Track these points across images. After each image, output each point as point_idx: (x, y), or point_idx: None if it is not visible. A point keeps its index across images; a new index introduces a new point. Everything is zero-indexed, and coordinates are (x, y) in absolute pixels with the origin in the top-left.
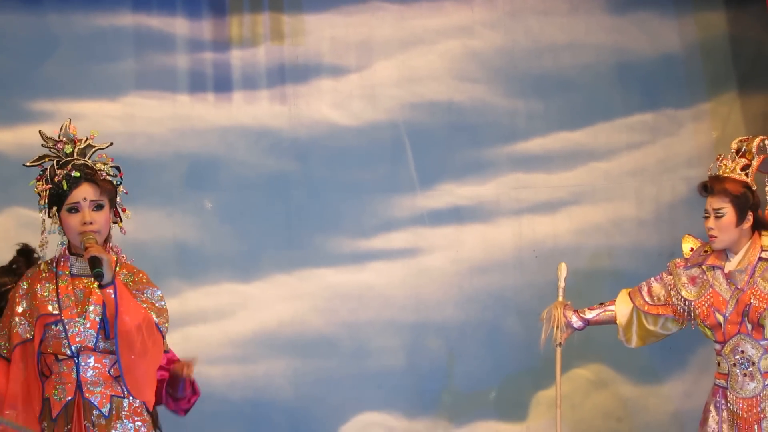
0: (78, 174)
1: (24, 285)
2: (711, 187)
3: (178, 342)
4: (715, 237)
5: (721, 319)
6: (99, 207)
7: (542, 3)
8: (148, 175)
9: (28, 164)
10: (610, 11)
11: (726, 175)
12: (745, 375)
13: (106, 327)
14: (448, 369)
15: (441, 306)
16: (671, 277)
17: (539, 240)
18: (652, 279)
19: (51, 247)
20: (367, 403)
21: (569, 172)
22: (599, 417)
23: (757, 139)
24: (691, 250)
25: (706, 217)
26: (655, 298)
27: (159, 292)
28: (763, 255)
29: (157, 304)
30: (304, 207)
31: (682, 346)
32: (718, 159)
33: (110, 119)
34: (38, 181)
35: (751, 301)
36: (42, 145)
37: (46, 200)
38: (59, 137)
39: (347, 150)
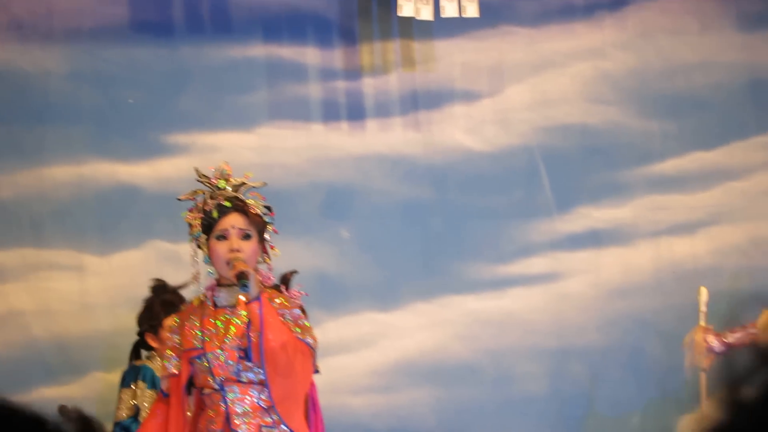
0: (229, 204)
1: (176, 320)
2: None
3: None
4: None
5: None
6: (247, 237)
7: (673, 22)
8: (285, 205)
9: (181, 198)
10: (741, 29)
11: None
12: None
13: (249, 351)
14: (591, 394)
15: (582, 330)
16: None
17: (678, 261)
18: None
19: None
20: (511, 431)
21: (706, 193)
22: None
23: None
24: None
25: None
26: None
27: (297, 311)
28: None
29: (300, 322)
30: (441, 233)
31: None
32: None
33: (245, 150)
34: (190, 212)
35: None
36: (196, 179)
37: (199, 229)
38: (214, 175)
39: (482, 175)
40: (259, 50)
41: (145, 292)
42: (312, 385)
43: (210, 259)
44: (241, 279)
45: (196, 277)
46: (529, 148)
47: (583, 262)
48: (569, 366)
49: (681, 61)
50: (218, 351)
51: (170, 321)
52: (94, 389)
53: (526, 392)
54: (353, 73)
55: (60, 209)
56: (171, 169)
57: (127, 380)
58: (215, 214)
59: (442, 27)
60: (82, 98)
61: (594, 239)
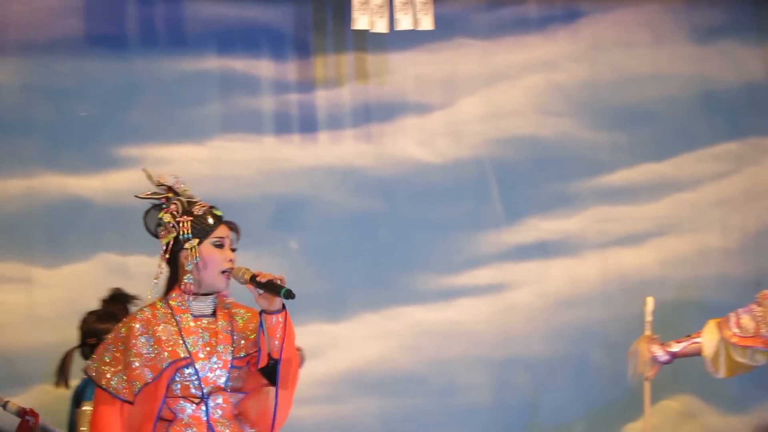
0: (221, 213)
1: (137, 326)
2: None
3: None
4: None
5: None
6: (234, 250)
7: (625, 34)
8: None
9: (141, 196)
10: (693, 41)
11: None
12: None
13: (258, 358)
14: (536, 404)
15: (528, 341)
16: (761, 308)
17: (625, 273)
18: (741, 310)
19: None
20: None
21: (654, 204)
22: None
23: None
24: None
25: None
26: (744, 330)
27: None
28: None
29: None
30: (390, 245)
31: None
32: None
33: (197, 163)
34: (166, 213)
35: None
36: (158, 183)
37: (190, 232)
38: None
39: (433, 187)
40: (212, 63)
41: (93, 305)
42: None
43: (199, 264)
44: (277, 288)
45: (158, 277)
46: (479, 160)
47: (531, 273)
48: (514, 376)
49: (633, 73)
50: (209, 361)
51: (132, 326)
52: (40, 401)
53: (471, 402)
54: (306, 85)
55: (9, 222)
56: (122, 182)
57: (87, 394)
58: (211, 221)
59: (396, 40)
60: (33, 111)
61: (542, 250)
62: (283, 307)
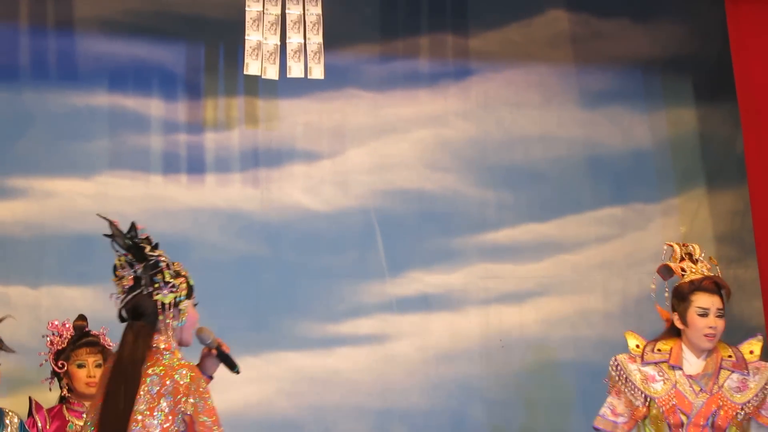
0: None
1: None
2: (719, 286)
3: None
4: (714, 337)
5: (685, 419)
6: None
7: (515, 95)
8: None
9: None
10: (582, 105)
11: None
12: None
13: None
14: None
15: (406, 393)
16: (620, 373)
17: (506, 330)
18: (608, 400)
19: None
20: None
21: (537, 264)
22: None
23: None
24: (637, 347)
25: (703, 315)
26: (622, 415)
27: None
28: (724, 364)
29: None
30: (273, 290)
31: None
32: (690, 254)
33: (83, 197)
34: (163, 272)
35: (719, 408)
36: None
37: (185, 293)
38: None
39: (318, 235)
40: (103, 99)
41: None
42: None
43: (183, 324)
44: (235, 366)
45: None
46: (366, 210)
47: (412, 325)
48: (391, 426)
49: (521, 133)
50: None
51: None
52: None
53: None
54: (196, 126)
55: None
56: (6, 213)
57: None
58: (191, 282)
59: (287, 87)
60: None
61: (424, 303)
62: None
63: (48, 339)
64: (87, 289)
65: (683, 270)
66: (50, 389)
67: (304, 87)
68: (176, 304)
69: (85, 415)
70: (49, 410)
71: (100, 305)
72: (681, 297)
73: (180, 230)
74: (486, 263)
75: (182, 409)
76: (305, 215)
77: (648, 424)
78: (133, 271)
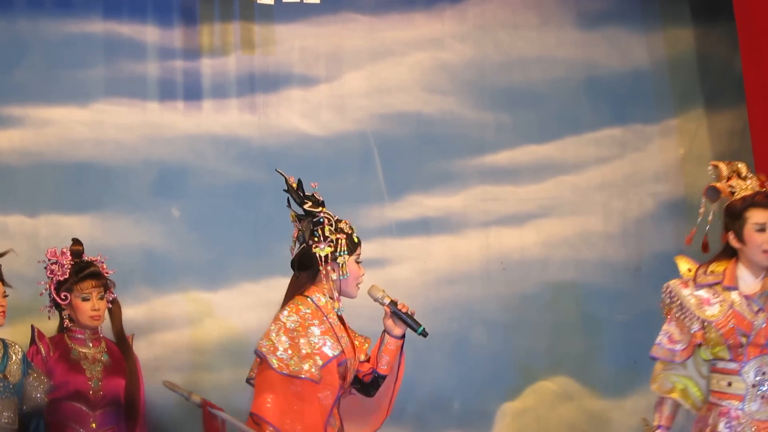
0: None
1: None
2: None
3: (143, 347)
4: None
5: (744, 340)
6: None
7: (512, 16)
8: (116, 181)
9: (307, 208)
10: (580, 26)
11: None
12: (763, 397)
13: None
14: (414, 380)
15: None
16: (673, 300)
17: (506, 252)
18: (663, 327)
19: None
20: None
21: (537, 185)
22: (564, 429)
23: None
24: (689, 270)
25: (761, 231)
26: (680, 341)
27: None
28: None
29: None
30: (272, 216)
31: (647, 361)
32: (737, 171)
33: (79, 125)
34: (324, 227)
35: None
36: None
37: (345, 248)
38: None
39: (316, 160)
40: (98, 26)
41: None
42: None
43: (346, 278)
44: (419, 326)
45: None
46: (364, 134)
47: (412, 249)
48: None
49: (519, 55)
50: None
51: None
52: None
53: None
54: (192, 53)
55: None
56: (2, 142)
57: None
58: (356, 240)
59: (282, 11)
60: None
61: (424, 227)
62: (403, 336)
63: (48, 268)
64: (85, 217)
65: (732, 188)
66: (49, 318)
67: (299, 11)
68: (334, 258)
69: (89, 343)
70: (51, 339)
71: (98, 233)
72: (735, 215)
73: (178, 157)
74: (485, 185)
75: None
76: (303, 140)
77: (704, 350)
78: (300, 226)
